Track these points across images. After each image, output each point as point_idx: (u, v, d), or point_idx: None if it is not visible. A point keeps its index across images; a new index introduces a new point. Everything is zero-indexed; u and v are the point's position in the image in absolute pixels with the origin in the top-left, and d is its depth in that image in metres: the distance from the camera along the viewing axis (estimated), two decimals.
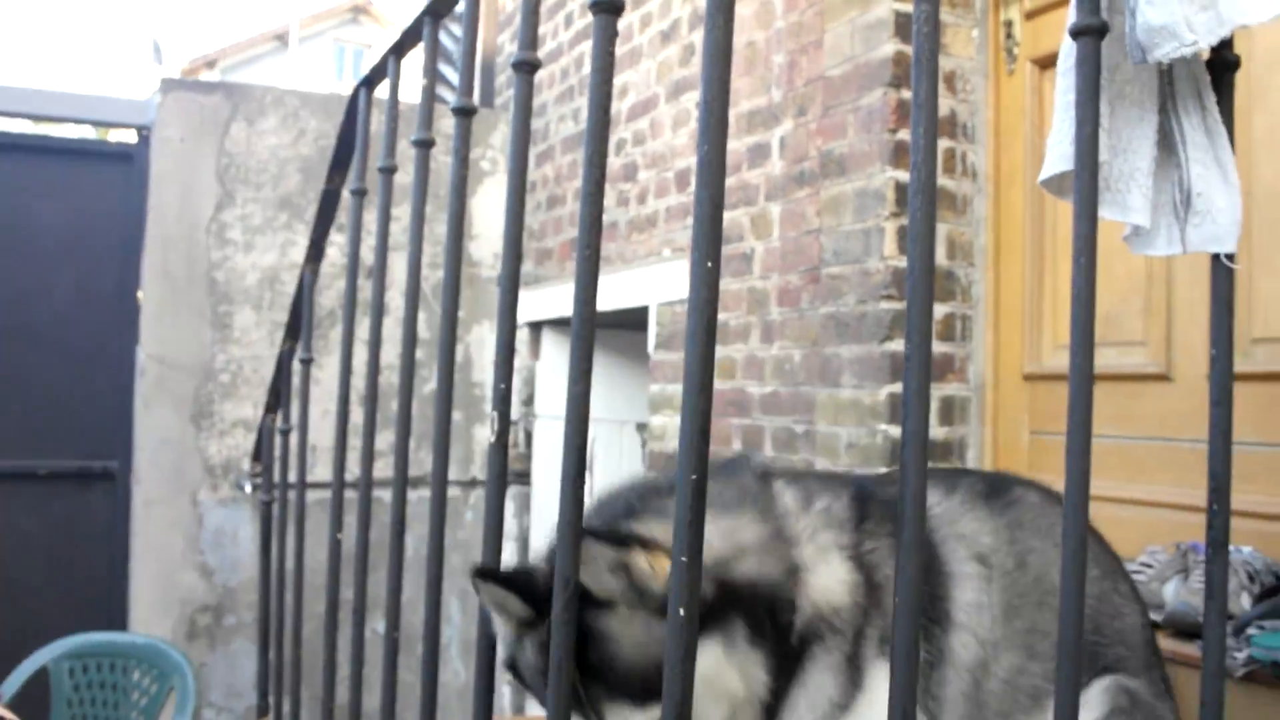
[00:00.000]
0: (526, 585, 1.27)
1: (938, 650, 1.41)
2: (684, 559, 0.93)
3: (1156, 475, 2.49)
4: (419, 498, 4.24)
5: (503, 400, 1.27)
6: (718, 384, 3.47)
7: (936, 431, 2.80)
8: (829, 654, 1.36)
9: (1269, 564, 2.16)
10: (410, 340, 1.69)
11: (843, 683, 1.35)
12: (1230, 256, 1.16)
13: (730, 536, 1.36)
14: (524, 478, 4.91)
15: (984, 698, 1.41)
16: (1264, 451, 2.22)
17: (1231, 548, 1.26)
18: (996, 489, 1.58)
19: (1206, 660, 1.19)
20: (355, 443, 2.05)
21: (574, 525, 1.10)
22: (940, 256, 2.82)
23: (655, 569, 1.23)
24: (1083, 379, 1.00)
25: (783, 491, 1.49)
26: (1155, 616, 2.21)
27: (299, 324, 2.65)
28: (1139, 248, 1.21)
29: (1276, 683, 1.94)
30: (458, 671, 4.92)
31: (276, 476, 2.85)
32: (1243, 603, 2.08)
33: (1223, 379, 1.15)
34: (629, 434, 4.51)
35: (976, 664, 1.41)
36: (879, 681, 1.33)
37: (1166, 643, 2.14)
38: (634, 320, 3.95)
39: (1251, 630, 2.01)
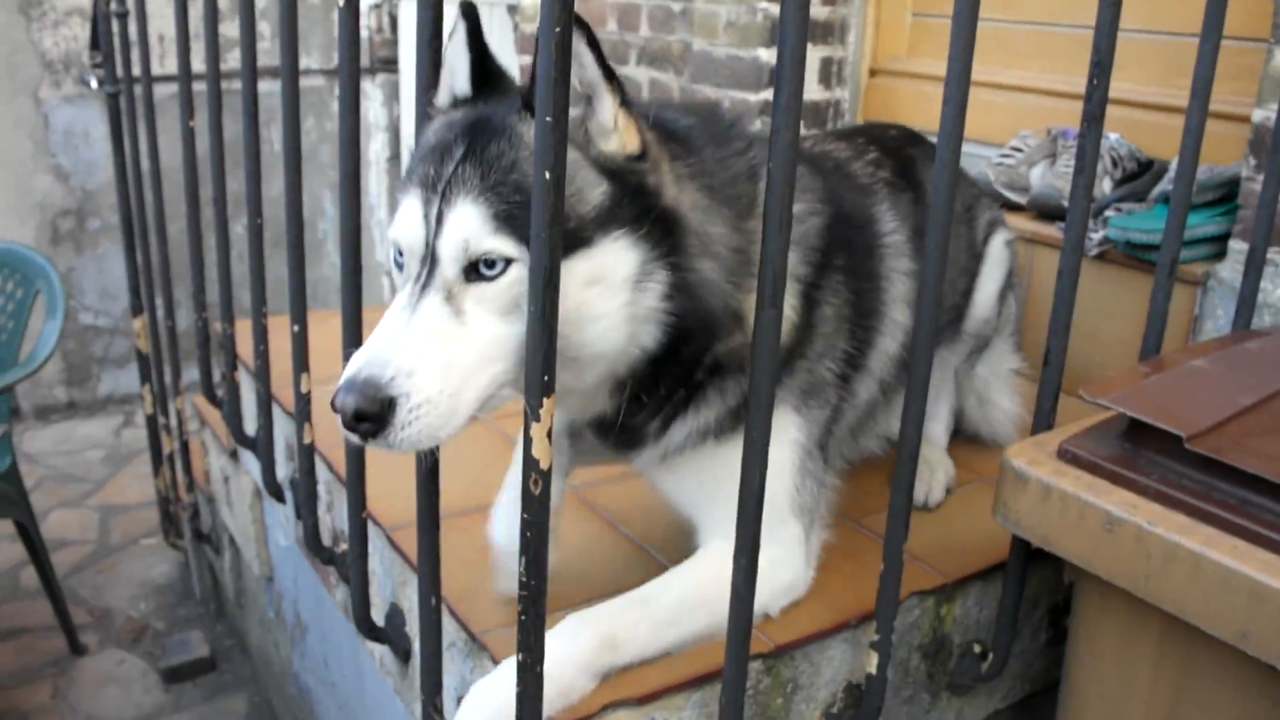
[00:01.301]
0: None
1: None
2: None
3: (1033, 61, 2.48)
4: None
5: None
6: None
7: (819, 11, 2.71)
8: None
9: (1132, 150, 2.20)
10: None
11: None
12: None
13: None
14: (391, 65, 4.68)
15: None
16: (1142, 39, 2.20)
17: None
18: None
19: (1069, 232, 1.23)
20: (222, 31, 1.90)
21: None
22: None
23: (619, 122, 1.19)
24: None
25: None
26: (1020, 199, 2.28)
27: None
28: None
29: (1126, 260, 2.04)
30: (337, 265, 4.91)
31: (120, 69, 2.63)
32: (1104, 186, 2.14)
33: None
34: (500, 16, 4.27)
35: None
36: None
37: (1030, 225, 2.22)
38: None
39: (1109, 212, 2.09)
